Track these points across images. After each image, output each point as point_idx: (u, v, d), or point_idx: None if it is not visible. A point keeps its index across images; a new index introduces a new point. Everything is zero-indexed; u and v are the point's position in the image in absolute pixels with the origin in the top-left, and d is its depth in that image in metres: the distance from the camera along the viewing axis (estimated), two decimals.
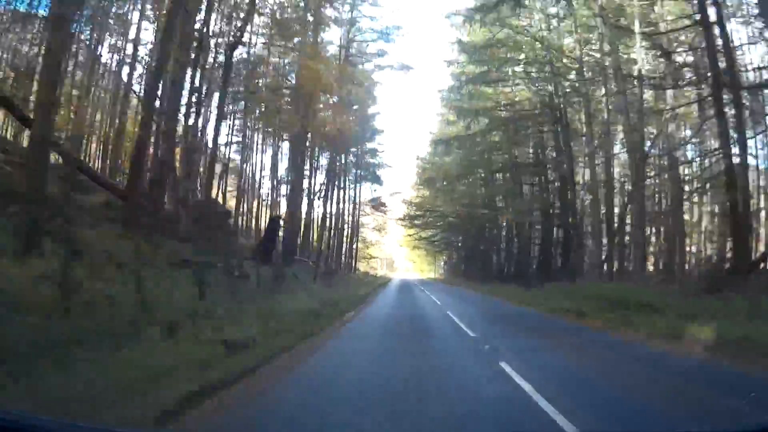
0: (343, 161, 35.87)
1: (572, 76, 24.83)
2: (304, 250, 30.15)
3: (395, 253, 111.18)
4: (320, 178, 32.58)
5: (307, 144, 27.35)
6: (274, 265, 15.71)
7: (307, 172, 31.74)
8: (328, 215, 30.92)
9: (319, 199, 30.67)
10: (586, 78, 23.61)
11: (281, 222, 21.93)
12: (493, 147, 28.77)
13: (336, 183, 35.87)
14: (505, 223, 39.68)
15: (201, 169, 21.71)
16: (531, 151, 30.19)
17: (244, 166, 35.61)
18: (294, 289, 13.99)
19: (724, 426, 3.82)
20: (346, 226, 42.82)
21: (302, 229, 28.07)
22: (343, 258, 47.07)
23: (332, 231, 38.98)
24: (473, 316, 12.89)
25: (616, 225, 23.93)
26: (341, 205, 39.24)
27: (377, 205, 45.40)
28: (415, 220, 45.70)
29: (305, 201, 28.50)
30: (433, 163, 36.97)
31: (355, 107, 33.61)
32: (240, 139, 33.63)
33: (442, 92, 28.71)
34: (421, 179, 37.89)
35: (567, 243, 27.05)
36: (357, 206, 45.68)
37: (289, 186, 24.28)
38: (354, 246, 49.28)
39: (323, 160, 33.15)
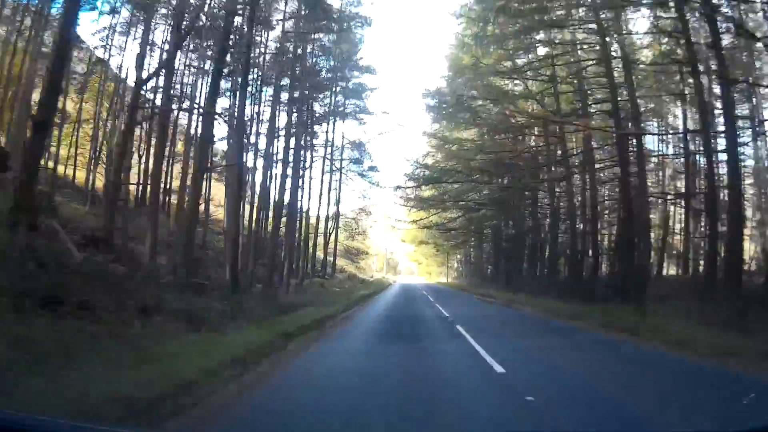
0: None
1: None
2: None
3: (398, 252, 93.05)
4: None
5: None
6: None
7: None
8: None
9: None
10: None
11: None
12: None
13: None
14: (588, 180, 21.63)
15: None
16: None
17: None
18: None
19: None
20: (300, 192, 25.01)
21: None
22: (321, 254, 29.76)
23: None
24: None
25: None
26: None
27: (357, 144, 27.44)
28: (423, 186, 27.89)
29: None
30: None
31: None
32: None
33: None
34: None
35: None
36: (329, 162, 27.89)
37: None
38: (328, 233, 31.42)
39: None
